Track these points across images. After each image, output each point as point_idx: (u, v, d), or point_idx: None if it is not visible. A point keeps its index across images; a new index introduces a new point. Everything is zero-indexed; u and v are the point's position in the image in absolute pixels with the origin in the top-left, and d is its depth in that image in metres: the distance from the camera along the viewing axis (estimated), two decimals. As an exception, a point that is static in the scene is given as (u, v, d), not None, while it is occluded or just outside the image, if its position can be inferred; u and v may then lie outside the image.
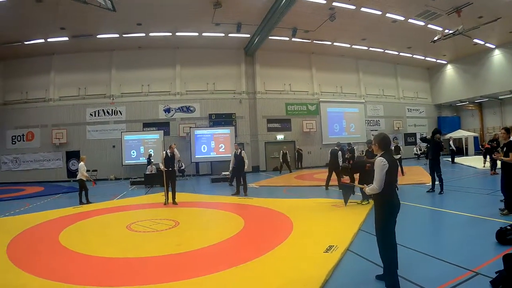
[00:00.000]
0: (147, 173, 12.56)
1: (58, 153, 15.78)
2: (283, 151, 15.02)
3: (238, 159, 8.34)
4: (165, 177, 7.19)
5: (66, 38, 14.80)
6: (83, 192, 8.06)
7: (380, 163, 2.47)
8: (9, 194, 11.12)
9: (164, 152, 7.42)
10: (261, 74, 17.23)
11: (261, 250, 3.62)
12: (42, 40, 14.91)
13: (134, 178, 13.32)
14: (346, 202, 5.60)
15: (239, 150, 8.48)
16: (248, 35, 15.64)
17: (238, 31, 14.75)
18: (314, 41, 16.64)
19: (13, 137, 15.89)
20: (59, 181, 15.29)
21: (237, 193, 8.39)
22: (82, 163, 8.18)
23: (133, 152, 15.43)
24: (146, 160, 14.01)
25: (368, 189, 2.57)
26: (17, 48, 15.27)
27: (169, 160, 7.33)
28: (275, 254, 3.53)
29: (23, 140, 15.86)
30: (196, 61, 16.58)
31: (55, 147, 15.71)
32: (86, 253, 3.93)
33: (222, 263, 3.30)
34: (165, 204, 7.21)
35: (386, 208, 2.51)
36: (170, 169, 7.33)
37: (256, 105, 16.92)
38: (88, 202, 8.02)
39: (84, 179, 8.09)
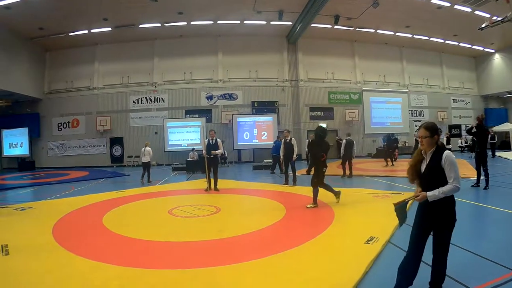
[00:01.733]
0: (189, 159, 14.21)
1: (102, 139, 18.20)
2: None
3: (288, 146, 8.63)
4: (206, 163, 7.99)
5: (109, 29, 16.92)
6: (147, 173, 10.42)
7: (453, 158, 2.33)
8: (55, 178, 12.95)
9: (206, 140, 8.20)
10: (304, 62, 18.85)
11: (301, 238, 3.95)
12: (86, 31, 17.10)
13: (176, 164, 15.04)
14: (401, 223, 5.73)
15: (289, 137, 8.78)
16: (290, 23, 17.17)
17: (280, 19, 16.23)
18: (357, 29, 18.00)
19: (59, 124, 18.27)
20: (103, 166, 17.30)
21: (286, 182, 8.90)
22: (149, 148, 10.53)
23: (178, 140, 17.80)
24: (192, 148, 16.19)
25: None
26: (62, 39, 17.61)
27: (211, 147, 7.97)
28: (315, 243, 3.84)
29: (69, 127, 18.29)
30: (238, 48, 18.40)
31: (99, 134, 18.10)
32: (128, 235, 4.41)
33: (262, 250, 3.64)
34: (206, 190, 7.98)
35: (454, 208, 2.39)
36: (212, 156, 7.99)
37: (299, 93, 18.53)
38: (149, 182, 10.20)
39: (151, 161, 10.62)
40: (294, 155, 8.62)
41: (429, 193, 2.30)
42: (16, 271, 3.40)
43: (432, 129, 2.40)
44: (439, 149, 2.38)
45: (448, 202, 2.35)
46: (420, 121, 20.53)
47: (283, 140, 8.95)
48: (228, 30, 17.92)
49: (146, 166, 10.36)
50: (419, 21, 17.48)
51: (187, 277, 3.03)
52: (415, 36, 19.61)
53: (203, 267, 3.21)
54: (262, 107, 18.33)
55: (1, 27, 15.68)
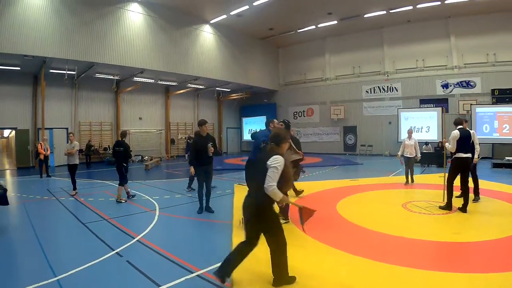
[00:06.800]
0: (424, 151, 17.42)
1: (336, 128, 26.51)
2: None
3: None
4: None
5: (335, 22, 24.04)
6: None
7: None
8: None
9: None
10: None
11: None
12: (313, 27, 25.00)
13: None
14: None
15: None
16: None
17: None
18: None
19: (295, 113, 28.06)
20: (335, 153, 25.95)
21: None
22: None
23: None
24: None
25: None
26: (291, 36, 26.49)
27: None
28: None
29: (304, 116, 27.51)
30: (472, 29, 21.74)
31: (333, 122, 26.46)
32: (360, 224, 6.04)
33: (500, 263, 4.36)
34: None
35: None
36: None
37: (549, 78, 21.06)
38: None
39: None
40: None
41: None
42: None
43: None
44: None
45: None
46: None
47: None
48: (459, 9, 21.01)
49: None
50: None
51: (418, 278, 3.97)
52: None
53: (436, 271, 4.10)
54: (504, 96, 20.83)
55: (236, 32, 25.65)
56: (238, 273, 4.12)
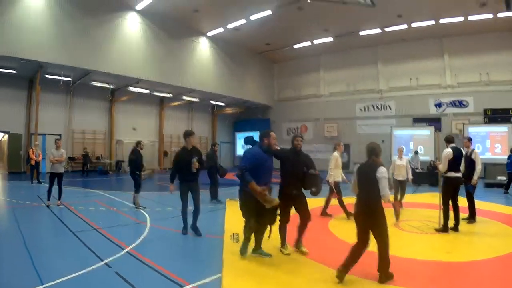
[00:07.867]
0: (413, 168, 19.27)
1: (329, 145, 26.36)
2: None
3: None
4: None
5: (331, 39, 24.43)
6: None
7: None
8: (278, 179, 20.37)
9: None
10: (546, 58, 21.31)
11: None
12: (309, 43, 25.40)
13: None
14: None
15: None
16: (520, 12, 19.45)
17: (508, 9, 17.59)
18: None
19: (288, 129, 28.17)
20: None
21: None
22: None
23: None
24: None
25: None
26: (287, 52, 26.87)
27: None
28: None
29: (297, 132, 27.22)
30: (466, 49, 22.21)
31: (327, 140, 26.51)
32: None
33: (493, 282, 4.47)
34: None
35: None
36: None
37: (539, 98, 21.23)
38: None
39: None
40: None
41: None
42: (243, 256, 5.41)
43: None
44: None
45: None
46: None
47: None
48: (452, 29, 21.48)
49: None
50: None
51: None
52: None
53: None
54: (496, 116, 21.36)
55: (233, 46, 25.94)
56: (229, 268, 4.47)
